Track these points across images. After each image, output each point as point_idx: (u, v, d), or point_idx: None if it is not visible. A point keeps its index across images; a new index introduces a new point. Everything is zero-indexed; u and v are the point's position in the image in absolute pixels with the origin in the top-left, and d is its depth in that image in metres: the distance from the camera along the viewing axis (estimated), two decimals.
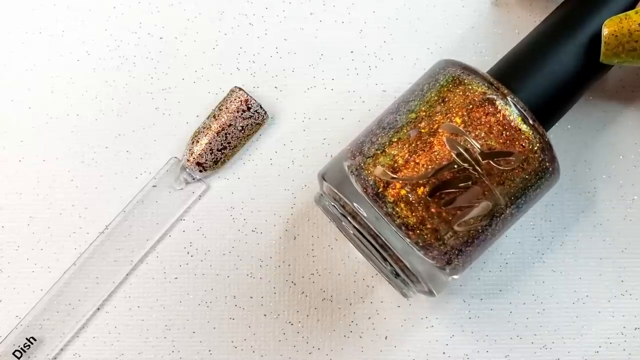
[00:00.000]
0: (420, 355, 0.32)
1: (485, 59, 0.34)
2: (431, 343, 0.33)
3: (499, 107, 0.26)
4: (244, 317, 0.33)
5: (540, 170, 0.27)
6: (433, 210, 0.26)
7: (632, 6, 0.28)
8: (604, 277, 0.33)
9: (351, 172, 0.27)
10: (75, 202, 0.33)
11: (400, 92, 0.29)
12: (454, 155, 0.26)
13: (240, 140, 0.33)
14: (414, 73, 0.34)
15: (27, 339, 0.32)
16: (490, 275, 0.33)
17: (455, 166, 0.26)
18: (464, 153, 0.26)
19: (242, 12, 0.34)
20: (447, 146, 0.26)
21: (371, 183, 0.26)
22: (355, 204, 0.27)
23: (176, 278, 0.33)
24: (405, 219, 0.26)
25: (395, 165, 0.26)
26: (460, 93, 0.26)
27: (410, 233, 0.26)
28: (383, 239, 0.27)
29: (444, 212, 0.26)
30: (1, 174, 0.34)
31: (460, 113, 0.26)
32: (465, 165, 0.25)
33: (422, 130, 0.26)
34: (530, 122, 0.26)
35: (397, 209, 0.26)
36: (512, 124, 0.26)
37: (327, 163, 0.30)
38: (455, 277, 0.28)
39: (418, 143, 0.26)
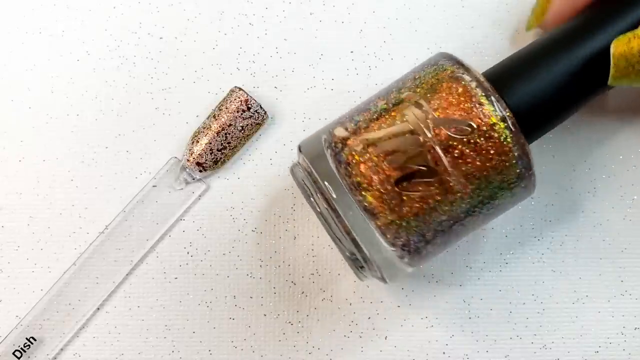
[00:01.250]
0: (420, 356, 0.32)
1: (485, 59, 0.34)
2: (431, 343, 0.33)
3: (463, 82, 0.26)
4: (244, 317, 0.33)
5: (509, 167, 0.26)
6: (380, 170, 0.26)
7: (635, 26, 0.27)
8: (603, 277, 0.33)
9: (325, 143, 0.28)
10: (75, 202, 0.33)
11: None
12: (405, 119, 0.26)
13: (240, 140, 0.33)
14: None
15: (27, 339, 0.32)
16: (490, 275, 0.33)
17: (407, 130, 0.26)
18: (416, 117, 0.26)
19: (242, 12, 0.35)
20: (402, 111, 0.26)
21: (332, 144, 0.27)
22: (325, 182, 0.27)
23: (176, 278, 0.33)
24: (355, 178, 0.26)
25: (357, 128, 0.27)
26: (431, 71, 0.27)
27: (361, 193, 0.26)
28: (346, 221, 0.27)
29: (392, 172, 0.26)
30: (1, 174, 0.34)
31: (425, 87, 0.27)
32: (416, 129, 0.26)
33: (388, 101, 0.27)
34: (510, 125, 0.26)
35: (349, 168, 0.26)
36: (473, 96, 0.26)
37: (308, 136, 0.30)
38: (411, 268, 0.28)
39: (381, 112, 0.27)
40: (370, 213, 0.26)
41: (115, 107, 0.34)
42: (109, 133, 0.34)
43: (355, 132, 0.27)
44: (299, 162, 0.30)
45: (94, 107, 0.34)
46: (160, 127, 0.34)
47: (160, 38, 0.34)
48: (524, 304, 0.33)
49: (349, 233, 0.27)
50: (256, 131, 0.33)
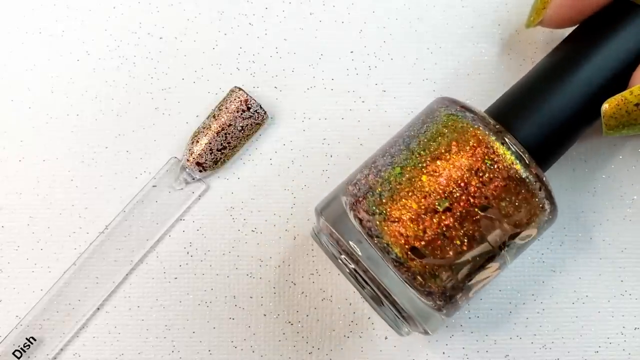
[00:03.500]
0: (420, 356, 0.32)
1: (485, 59, 0.34)
2: (431, 343, 0.33)
3: (530, 187, 0.26)
4: (244, 317, 0.33)
5: (540, 213, 0.27)
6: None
7: (634, 58, 0.28)
8: (603, 277, 0.33)
9: (347, 205, 0.27)
10: (75, 202, 0.33)
11: (400, 92, 0.29)
12: (489, 242, 0.26)
13: (240, 140, 0.33)
14: (414, 73, 0.34)
15: (27, 339, 0.32)
16: None
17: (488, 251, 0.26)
18: (498, 239, 0.26)
19: (242, 12, 0.35)
20: (488, 239, 0.26)
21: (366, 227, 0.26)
22: (351, 242, 0.27)
23: (176, 278, 0.33)
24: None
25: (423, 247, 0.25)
26: (490, 167, 0.26)
27: (404, 269, 0.26)
28: (378, 279, 0.27)
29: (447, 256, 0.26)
30: (1, 174, 0.34)
31: (499, 195, 0.25)
32: (497, 249, 0.26)
33: (454, 210, 0.25)
34: (533, 170, 0.26)
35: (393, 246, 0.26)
36: (535, 196, 0.26)
37: (324, 198, 0.29)
38: (448, 317, 0.28)
39: (450, 222, 0.25)
40: (400, 264, 0.26)
41: (115, 107, 0.34)
42: (109, 133, 0.34)
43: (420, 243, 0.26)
44: (319, 227, 0.30)
45: (94, 107, 0.34)
46: (160, 127, 0.34)
47: (160, 38, 0.34)
48: (524, 304, 0.33)
49: (386, 295, 0.27)
50: (256, 131, 0.33)
